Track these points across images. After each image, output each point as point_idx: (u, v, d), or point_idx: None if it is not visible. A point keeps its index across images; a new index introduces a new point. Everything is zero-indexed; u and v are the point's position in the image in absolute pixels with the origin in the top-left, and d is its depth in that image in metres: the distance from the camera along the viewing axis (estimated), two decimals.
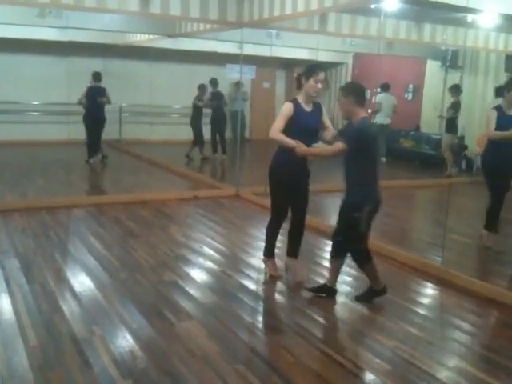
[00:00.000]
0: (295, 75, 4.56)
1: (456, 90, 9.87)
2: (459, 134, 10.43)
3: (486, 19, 8.03)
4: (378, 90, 11.68)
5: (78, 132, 10.33)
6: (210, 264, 4.99)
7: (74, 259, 5.01)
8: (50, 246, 5.33)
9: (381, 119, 11.28)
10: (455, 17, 8.76)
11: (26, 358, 3.16)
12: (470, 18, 7.99)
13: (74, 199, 7.37)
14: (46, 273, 4.56)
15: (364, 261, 4.19)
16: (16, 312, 3.77)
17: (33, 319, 3.67)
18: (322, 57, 11.98)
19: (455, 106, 9.80)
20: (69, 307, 3.90)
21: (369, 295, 4.22)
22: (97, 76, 9.96)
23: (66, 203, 6.96)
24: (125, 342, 3.42)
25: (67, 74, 10.01)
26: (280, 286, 4.53)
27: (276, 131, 4.28)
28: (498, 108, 5.54)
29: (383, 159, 11.58)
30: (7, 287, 4.20)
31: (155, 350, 3.34)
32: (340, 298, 4.30)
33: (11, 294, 4.07)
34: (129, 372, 3.06)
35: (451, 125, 9.97)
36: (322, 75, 4.34)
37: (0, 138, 11.95)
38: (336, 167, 4.45)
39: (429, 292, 4.71)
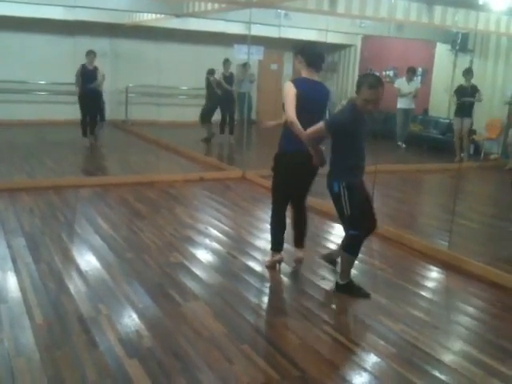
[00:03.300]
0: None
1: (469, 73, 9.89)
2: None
3: (498, 2, 7.93)
4: (389, 73, 11.58)
5: None
6: (216, 245, 4.99)
7: (81, 239, 5.02)
8: (57, 225, 5.35)
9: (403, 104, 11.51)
10: None
11: (33, 336, 3.17)
12: (481, 0, 7.90)
13: (81, 179, 7.39)
14: (53, 252, 4.57)
15: None
16: (22, 290, 3.78)
17: (39, 298, 3.69)
18: (331, 38, 11.86)
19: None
20: (75, 286, 3.91)
21: None
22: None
23: (73, 183, 6.97)
24: (131, 321, 3.43)
25: (74, 53, 9.94)
26: (285, 267, 4.53)
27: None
28: None
29: (403, 145, 11.59)
30: (14, 265, 4.21)
31: (161, 329, 3.36)
32: None
33: (18, 273, 4.08)
34: (134, 351, 3.07)
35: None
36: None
37: (7, 118, 11.97)
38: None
39: (435, 276, 4.70)
